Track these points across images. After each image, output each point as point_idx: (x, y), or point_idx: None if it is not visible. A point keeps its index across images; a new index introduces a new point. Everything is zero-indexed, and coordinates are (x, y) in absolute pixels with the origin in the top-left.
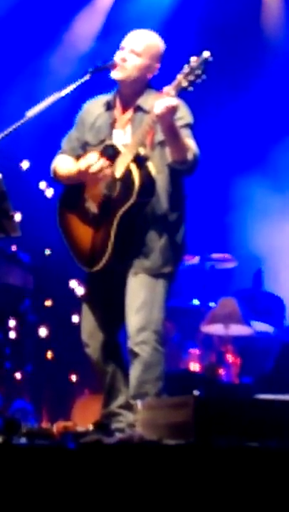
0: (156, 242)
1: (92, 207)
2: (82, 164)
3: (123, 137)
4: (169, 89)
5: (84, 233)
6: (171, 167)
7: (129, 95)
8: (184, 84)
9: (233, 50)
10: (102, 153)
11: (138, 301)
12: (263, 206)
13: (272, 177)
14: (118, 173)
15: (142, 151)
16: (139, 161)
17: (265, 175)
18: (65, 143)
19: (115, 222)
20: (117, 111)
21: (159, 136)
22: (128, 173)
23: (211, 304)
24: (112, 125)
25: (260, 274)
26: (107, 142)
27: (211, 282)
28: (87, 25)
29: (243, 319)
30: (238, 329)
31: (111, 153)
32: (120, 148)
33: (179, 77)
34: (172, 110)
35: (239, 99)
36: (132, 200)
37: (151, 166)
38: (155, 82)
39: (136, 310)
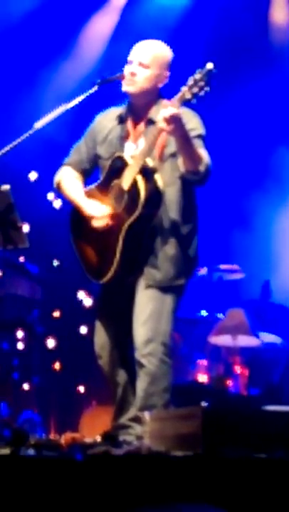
0: (168, 254)
1: (102, 223)
2: (89, 209)
3: (135, 150)
4: (174, 101)
5: (93, 245)
6: (183, 178)
7: (141, 107)
8: (188, 96)
9: (241, 59)
10: (111, 166)
11: (146, 313)
12: (272, 217)
13: (280, 189)
14: (125, 185)
15: (150, 163)
16: (146, 172)
17: (273, 187)
18: (73, 154)
19: (122, 234)
20: (130, 124)
21: (171, 149)
22: (134, 185)
23: (219, 315)
24: (125, 138)
25: (268, 285)
26: (116, 154)
27: (218, 293)
28: (96, 36)
29: (250, 330)
30: (246, 340)
31: (119, 165)
32: (128, 160)
33: (183, 89)
34: (174, 119)
35: (249, 113)
36: (137, 212)
37: (158, 178)
38: (166, 91)
39: (143, 321)
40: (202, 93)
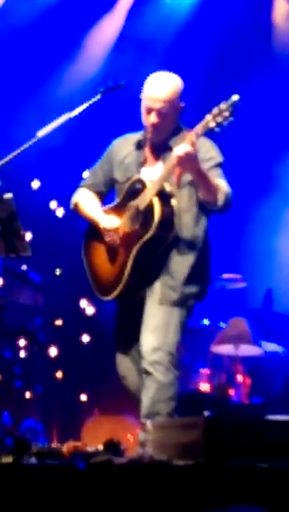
0: (183, 276)
1: (116, 237)
2: (104, 223)
3: (153, 175)
4: (198, 128)
5: (104, 262)
6: (200, 205)
7: (162, 138)
8: (212, 124)
9: (244, 63)
10: (130, 187)
11: (154, 322)
12: (274, 226)
13: (283, 198)
14: (141, 206)
15: (168, 188)
16: (163, 196)
17: (275, 196)
18: (89, 177)
19: (133, 253)
20: (147, 150)
21: (188, 176)
22: (150, 206)
23: (221, 324)
24: (142, 164)
25: (271, 294)
26: (135, 177)
27: (221, 302)
28: (98, 45)
29: (253, 339)
30: (248, 349)
31: (138, 188)
32: (147, 182)
33: (208, 117)
34: (188, 157)
35: (258, 122)
36: (151, 233)
37: (175, 202)
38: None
39: (151, 331)
40: (226, 123)
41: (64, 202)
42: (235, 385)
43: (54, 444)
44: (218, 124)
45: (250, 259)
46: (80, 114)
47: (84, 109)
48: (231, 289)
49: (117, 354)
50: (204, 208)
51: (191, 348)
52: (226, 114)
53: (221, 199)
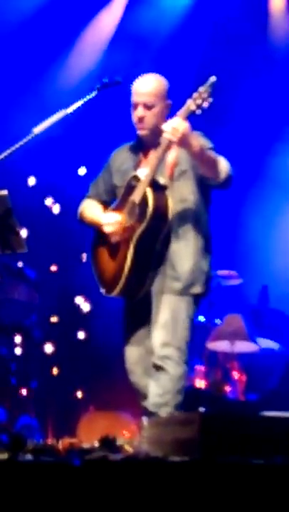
0: (185, 266)
1: (117, 234)
2: (104, 219)
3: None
4: (180, 113)
5: (108, 261)
6: (201, 194)
7: (153, 137)
8: (193, 107)
9: (240, 61)
10: (127, 185)
11: (164, 317)
12: (270, 222)
13: (279, 194)
14: (136, 199)
15: (161, 181)
16: (156, 186)
17: (271, 192)
18: (92, 188)
19: (131, 247)
20: (142, 152)
21: (182, 167)
22: (144, 197)
23: (217, 321)
24: (137, 166)
25: (266, 290)
26: (131, 174)
27: (216, 299)
28: (94, 41)
29: (248, 336)
30: (243, 346)
31: (134, 184)
32: (141, 177)
33: (189, 101)
34: (180, 129)
35: (256, 116)
36: (145, 223)
37: (169, 194)
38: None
39: (161, 326)
40: (206, 104)
41: (60, 199)
42: (230, 382)
43: (49, 441)
44: (199, 106)
45: (246, 256)
46: (76, 110)
47: (80, 106)
48: (227, 285)
49: (126, 349)
50: (203, 196)
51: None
52: (205, 95)
53: (223, 172)
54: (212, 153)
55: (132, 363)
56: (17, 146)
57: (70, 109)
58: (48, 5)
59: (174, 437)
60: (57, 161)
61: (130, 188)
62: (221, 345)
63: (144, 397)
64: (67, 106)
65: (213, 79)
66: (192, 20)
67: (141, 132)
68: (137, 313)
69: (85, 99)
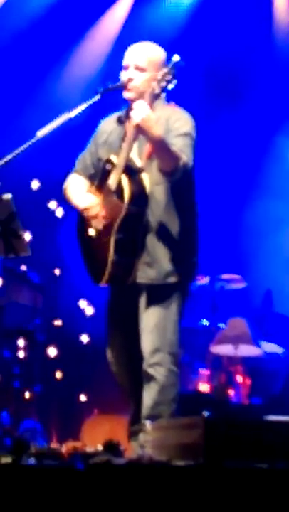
0: (160, 252)
1: (98, 223)
2: (81, 203)
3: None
4: (145, 97)
5: (92, 250)
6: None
7: (138, 98)
8: (157, 91)
9: (242, 66)
10: (103, 169)
11: (151, 323)
12: (274, 226)
13: (283, 197)
14: (112, 186)
15: (138, 163)
16: (131, 171)
17: (275, 195)
18: (78, 162)
19: (113, 235)
20: (129, 124)
21: None
22: (120, 185)
23: (221, 325)
24: (123, 139)
25: (270, 294)
26: (106, 157)
27: (220, 303)
28: (97, 45)
29: (252, 340)
30: (247, 350)
31: (109, 168)
32: (115, 161)
33: (153, 84)
34: (142, 113)
35: (258, 118)
36: (123, 212)
37: (145, 177)
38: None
39: (149, 332)
40: (170, 86)
41: (63, 202)
42: (234, 386)
43: (53, 445)
44: (163, 89)
45: (250, 260)
46: (79, 114)
47: (83, 109)
48: (231, 289)
49: (108, 341)
50: (184, 178)
51: (190, 349)
52: (169, 77)
53: (176, 169)
54: (179, 144)
55: (114, 356)
56: (21, 149)
57: (74, 113)
58: (52, 9)
59: (178, 441)
60: (60, 165)
61: (107, 172)
62: (224, 349)
63: (128, 392)
64: (70, 109)
65: (175, 58)
66: (197, 21)
67: (127, 94)
68: (121, 301)
69: (89, 103)
